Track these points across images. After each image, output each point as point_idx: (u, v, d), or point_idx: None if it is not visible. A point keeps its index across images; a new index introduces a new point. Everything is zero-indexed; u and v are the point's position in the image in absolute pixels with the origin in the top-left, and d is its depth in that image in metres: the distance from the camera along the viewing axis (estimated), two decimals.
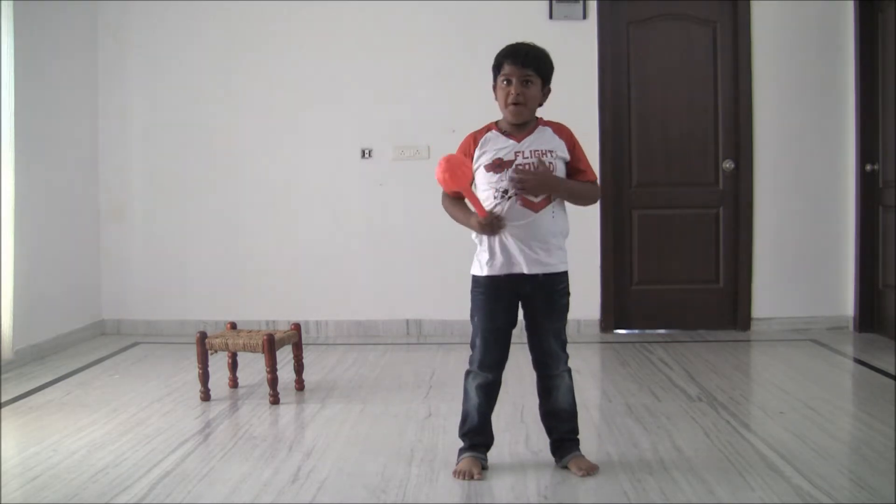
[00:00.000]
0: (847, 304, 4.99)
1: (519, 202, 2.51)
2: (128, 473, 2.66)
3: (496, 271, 2.55)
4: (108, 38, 5.08)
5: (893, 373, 3.90)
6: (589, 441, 2.87)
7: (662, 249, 5.06)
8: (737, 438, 2.95)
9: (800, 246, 5.00)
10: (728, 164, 4.99)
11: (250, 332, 3.68)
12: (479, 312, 2.60)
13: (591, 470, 2.60)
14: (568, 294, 2.63)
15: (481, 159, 2.55)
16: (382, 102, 4.99)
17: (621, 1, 4.98)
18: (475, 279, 2.61)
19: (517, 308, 2.62)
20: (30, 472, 2.69)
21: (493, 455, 2.68)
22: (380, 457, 2.79)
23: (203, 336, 3.54)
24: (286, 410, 3.44)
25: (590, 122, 4.91)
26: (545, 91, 2.56)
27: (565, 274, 2.61)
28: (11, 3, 4.08)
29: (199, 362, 3.54)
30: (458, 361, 4.16)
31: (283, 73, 5.04)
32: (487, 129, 2.60)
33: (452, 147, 2.68)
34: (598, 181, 2.73)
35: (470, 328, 2.64)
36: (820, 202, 4.99)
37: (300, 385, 3.70)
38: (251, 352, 3.51)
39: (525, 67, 2.50)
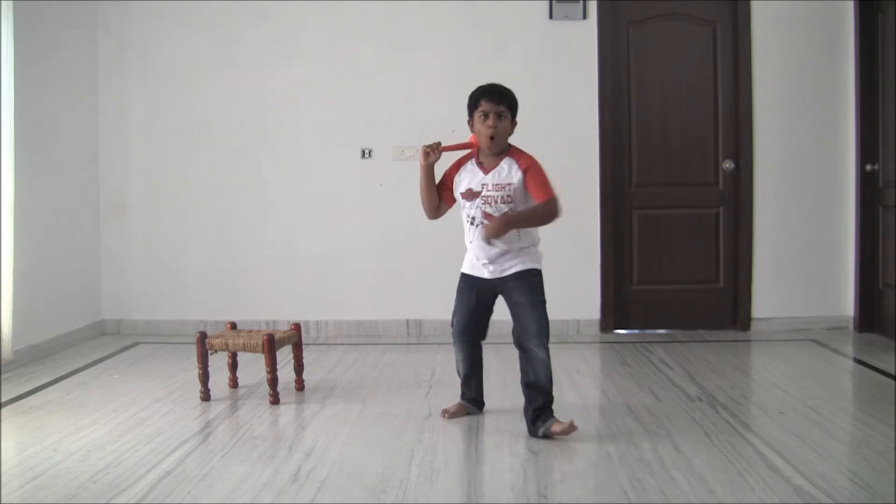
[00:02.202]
0: (847, 304, 4.99)
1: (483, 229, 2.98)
2: (128, 473, 2.66)
3: (470, 271, 3.09)
4: (108, 38, 5.08)
5: (893, 373, 3.90)
6: (589, 441, 2.88)
7: (662, 249, 5.06)
8: (737, 438, 2.95)
9: (800, 246, 4.99)
10: (728, 164, 4.99)
11: (250, 332, 3.68)
12: (456, 295, 3.15)
13: (570, 427, 2.89)
14: (539, 276, 2.99)
15: (459, 186, 3.04)
16: (382, 102, 4.99)
17: (621, 1, 4.98)
18: (461, 275, 3.13)
19: (490, 299, 3.07)
20: (30, 472, 2.68)
21: (493, 455, 2.68)
22: (380, 457, 2.79)
23: (203, 336, 3.54)
24: (286, 410, 3.44)
25: (590, 122, 4.91)
26: (513, 124, 3.01)
27: (534, 269, 2.98)
28: (11, 3, 4.08)
29: (199, 362, 3.54)
30: None
31: (284, 73, 5.04)
32: (469, 157, 3.05)
33: None
34: (556, 197, 2.94)
35: None
36: (820, 202, 4.99)
37: (300, 385, 3.70)
38: (251, 352, 3.51)
39: (500, 104, 2.96)
